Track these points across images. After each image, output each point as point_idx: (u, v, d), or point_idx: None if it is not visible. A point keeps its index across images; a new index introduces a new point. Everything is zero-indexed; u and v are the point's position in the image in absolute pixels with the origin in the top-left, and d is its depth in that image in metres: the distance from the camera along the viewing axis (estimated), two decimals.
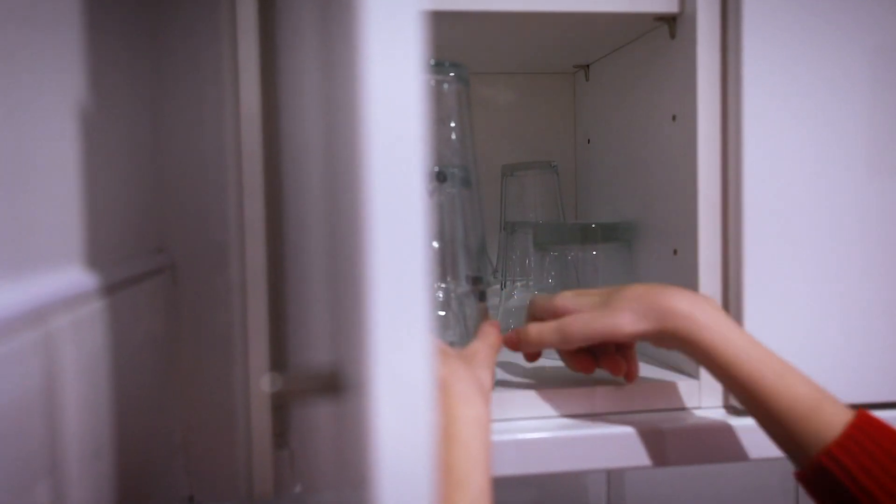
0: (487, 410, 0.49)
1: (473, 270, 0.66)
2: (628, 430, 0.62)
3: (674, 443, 0.62)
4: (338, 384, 0.36)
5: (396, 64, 0.30)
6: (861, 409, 0.53)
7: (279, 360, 0.38)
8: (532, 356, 0.65)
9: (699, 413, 0.65)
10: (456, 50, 0.81)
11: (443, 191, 0.59)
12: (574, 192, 0.99)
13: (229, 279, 0.68)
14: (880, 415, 0.53)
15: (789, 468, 0.54)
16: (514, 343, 0.63)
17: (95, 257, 0.48)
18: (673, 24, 0.69)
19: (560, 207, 0.91)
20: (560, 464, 0.62)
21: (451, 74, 0.65)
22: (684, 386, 0.66)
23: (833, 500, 0.52)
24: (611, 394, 0.65)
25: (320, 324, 0.43)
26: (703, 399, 0.66)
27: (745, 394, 0.55)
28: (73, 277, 0.43)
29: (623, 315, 0.57)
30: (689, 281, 0.67)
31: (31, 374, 0.36)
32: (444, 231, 0.64)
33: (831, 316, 0.64)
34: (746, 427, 0.62)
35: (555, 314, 0.61)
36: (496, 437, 0.59)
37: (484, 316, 0.67)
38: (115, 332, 0.49)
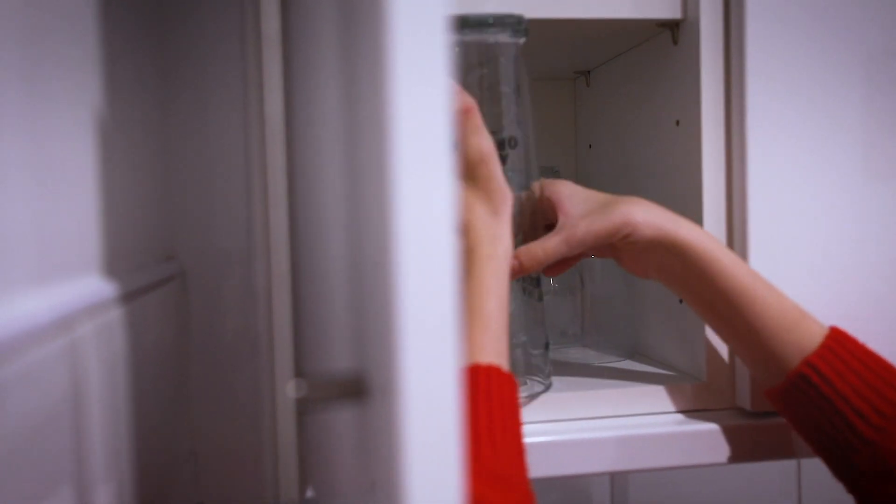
0: (499, 250, 0.54)
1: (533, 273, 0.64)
2: (636, 432, 0.62)
3: (682, 445, 0.63)
4: (361, 389, 0.37)
5: (423, 70, 0.30)
6: (833, 325, 0.57)
7: (296, 366, 0.39)
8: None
9: (706, 416, 0.66)
10: None
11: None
12: None
13: (238, 286, 0.68)
14: None
15: (791, 469, 0.54)
16: (518, 270, 0.60)
17: (111, 266, 0.48)
18: (676, 30, 0.70)
19: None
20: (564, 467, 0.62)
21: (513, 28, 0.60)
22: (691, 388, 0.66)
23: (807, 407, 0.55)
24: (617, 397, 0.65)
25: (340, 329, 0.43)
26: (710, 402, 0.66)
27: (735, 304, 0.57)
28: (93, 286, 0.43)
29: (633, 209, 0.59)
30: None
31: (59, 379, 0.36)
32: None
33: (832, 319, 0.65)
34: (754, 428, 0.63)
35: (553, 209, 0.62)
36: None
37: (540, 319, 0.66)
38: (130, 339, 0.49)
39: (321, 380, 0.37)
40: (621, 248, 0.61)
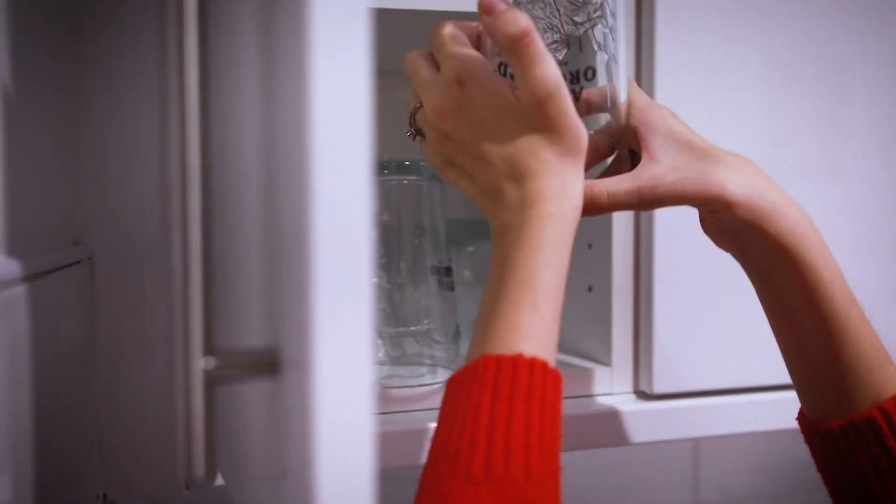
0: (565, 208, 0.44)
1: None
2: None
3: (586, 428, 0.65)
4: (274, 365, 0.37)
5: (344, 60, 0.31)
6: None
7: (209, 347, 0.39)
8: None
9: (610, 399, 0.68)
10: None
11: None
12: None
13: (149, 272, 0.67)
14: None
15: (687, 451, 0.52)
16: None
17: (13, 246, 0.46)
18: None
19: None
20: None
21: None
22: (597, 373, 0.69)
23: (857, 454, 0.49)
24: None
25: (255, 307, 0.43)
26: (615, 386, 0.69)
27: (821, 325, 0.49)
28: None
29: (733, 177, 0.48)
30: (602, 273, 0.70)
31: None
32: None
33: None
34: (655, 411, 0.66)
35: (637, 141, 0.51)
36: (382, 429, 0.57)
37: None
38: (32, 320, 0.48)
39: (234, 356, 0.37)
40: (706, 216, 0.53)
